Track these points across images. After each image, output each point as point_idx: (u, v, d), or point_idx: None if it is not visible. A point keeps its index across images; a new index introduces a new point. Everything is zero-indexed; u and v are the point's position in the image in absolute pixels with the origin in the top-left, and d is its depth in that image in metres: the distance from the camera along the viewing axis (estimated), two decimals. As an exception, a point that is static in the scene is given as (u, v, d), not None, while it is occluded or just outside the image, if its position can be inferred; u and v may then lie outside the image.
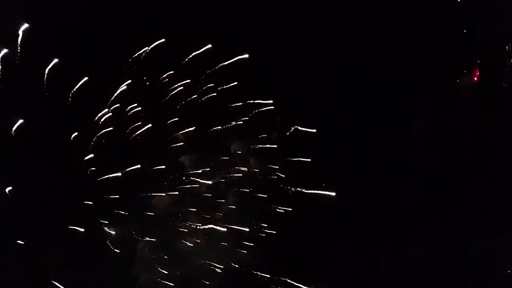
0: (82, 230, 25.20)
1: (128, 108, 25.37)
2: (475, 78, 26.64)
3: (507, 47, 25.84)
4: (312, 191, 26.19)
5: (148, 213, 26.28)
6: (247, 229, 26.17)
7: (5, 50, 23.09)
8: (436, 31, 26.24)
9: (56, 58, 23.94)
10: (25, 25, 23.20)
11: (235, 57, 25.06)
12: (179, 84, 25.48)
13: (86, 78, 24.22)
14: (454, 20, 26.43)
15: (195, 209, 26.49)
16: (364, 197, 26.67)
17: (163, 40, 24.66)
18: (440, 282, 26.05)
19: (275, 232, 26.50)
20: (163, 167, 26.13)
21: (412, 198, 26.82)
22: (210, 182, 26.45)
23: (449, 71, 26.87)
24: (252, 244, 26.21)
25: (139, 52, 24.77)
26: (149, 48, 24.69)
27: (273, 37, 25.60)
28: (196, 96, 25.72)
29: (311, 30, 26.05)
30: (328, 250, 26.71)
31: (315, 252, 26.75)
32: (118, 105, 25.17)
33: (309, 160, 26.25)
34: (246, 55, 24.94)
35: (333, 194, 25.81)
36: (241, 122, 26.08)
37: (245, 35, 25.19)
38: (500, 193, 25.91)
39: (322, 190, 26.03)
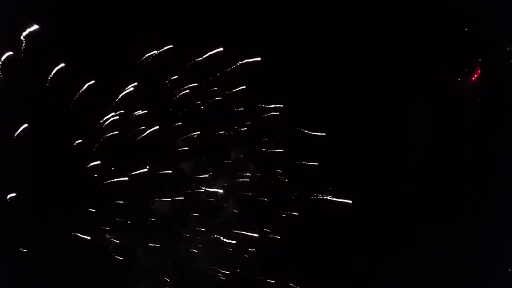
0: (84, 237, 24.79)
1: (133, 112, 25.15)
2: (476, 78, 26.83)
3: (508, 48, 26.16)
4: (319, 196, 26.27)
5: (152, 219, 25.96)
6: (256, 235, 26.06)
7: (9, 53, 22.91)
8: (436, 31, 26.43)
9: (61, 60, 23.58)
10: (30, 27, 22.88)
11: (244, 60, 25.07)
12: (186, 87, 25.36)
13: (92, 82, 24.05)
14: (455, 20, 26.59)
15: (200, 215, 26.26)
16: (369, 201, 26.72)
17: (171, 46, 24.55)
18: (440, 282, 26.16)
19: (278, 237, 26.44)
20: (169, 171, 25.94)
21: (415, 199, 27.02)
22: (216, 187, 26.26)
23: (450, 72, 27.13)
24: (258, 249, 26.02)
25: (147, 55, 24.59)
26: (158, 52, 24.53)
27: (282, 41, 25.62)
28: (203, 100, 25.65)
29: (312, 31, 26.14)
30: (333, 254, 26.69)
31: (320, 257, 26.67)
32: (124, 108, 24.86)
33: (316, 163, 26.35)
34: (258, 58, 24.95)
35: (350, 201, 25.90)
36: (249, 127, 26.02)
37: (255, 38, 25.15)
38: (501, 194, 26.19)
39: (330, 195, 26.12)
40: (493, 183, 26.38)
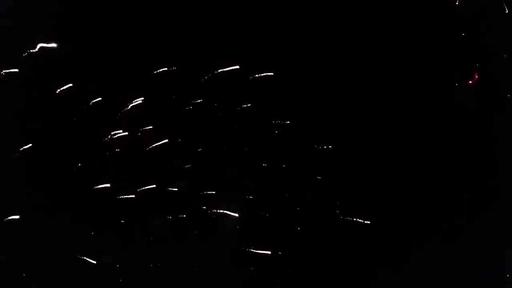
0: (85, 258, 24.30)
1: (138, 128, 24.86)
2: (473, 83, 27.35)
3: (505, 55, 26.83)
4: (326, 211, 26.23)
5: (152, 238, 25.41)
6: (262, 252, 25.69)
7: (15, 70, 22.52)
8: (435, 34, 26.59)
9: (70, 79, 23.40)
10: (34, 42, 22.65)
11: (257, 76, 24.99)
12: (192, 103, 25.26)
13: (99, 99, 23.71)
14: (453, 23, 26.92)
15: (203, 232, 25.78)
16: (373, 212, 26.64)
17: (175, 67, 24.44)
18: (439, 283, 26.38)
19: (282, 254, 26.04)
20: (173, 189, 25.52)
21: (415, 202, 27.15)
22: (221, 205, 25.90)
23: (448, 77, 27.30)
24: (262, 268, 25.47)
25: (157, 71, 24.44)
26: (168, 69, 24.37)
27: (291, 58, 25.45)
28: (209, 115, 25.50)
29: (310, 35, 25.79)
30: (338, 270, 26.57)
31: (323, 274, 26.47)
32: (128, 124, 24.63)
33: (320, 178, 26.28)
34: (271, 73, 24.80)
35: (368, 222, 25.67)
36: (254, 142, 25.78)
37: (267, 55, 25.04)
38: (501, 196, 26.65)
39: (340, 211, 26.15)
40: (493, 184, 26.81)
